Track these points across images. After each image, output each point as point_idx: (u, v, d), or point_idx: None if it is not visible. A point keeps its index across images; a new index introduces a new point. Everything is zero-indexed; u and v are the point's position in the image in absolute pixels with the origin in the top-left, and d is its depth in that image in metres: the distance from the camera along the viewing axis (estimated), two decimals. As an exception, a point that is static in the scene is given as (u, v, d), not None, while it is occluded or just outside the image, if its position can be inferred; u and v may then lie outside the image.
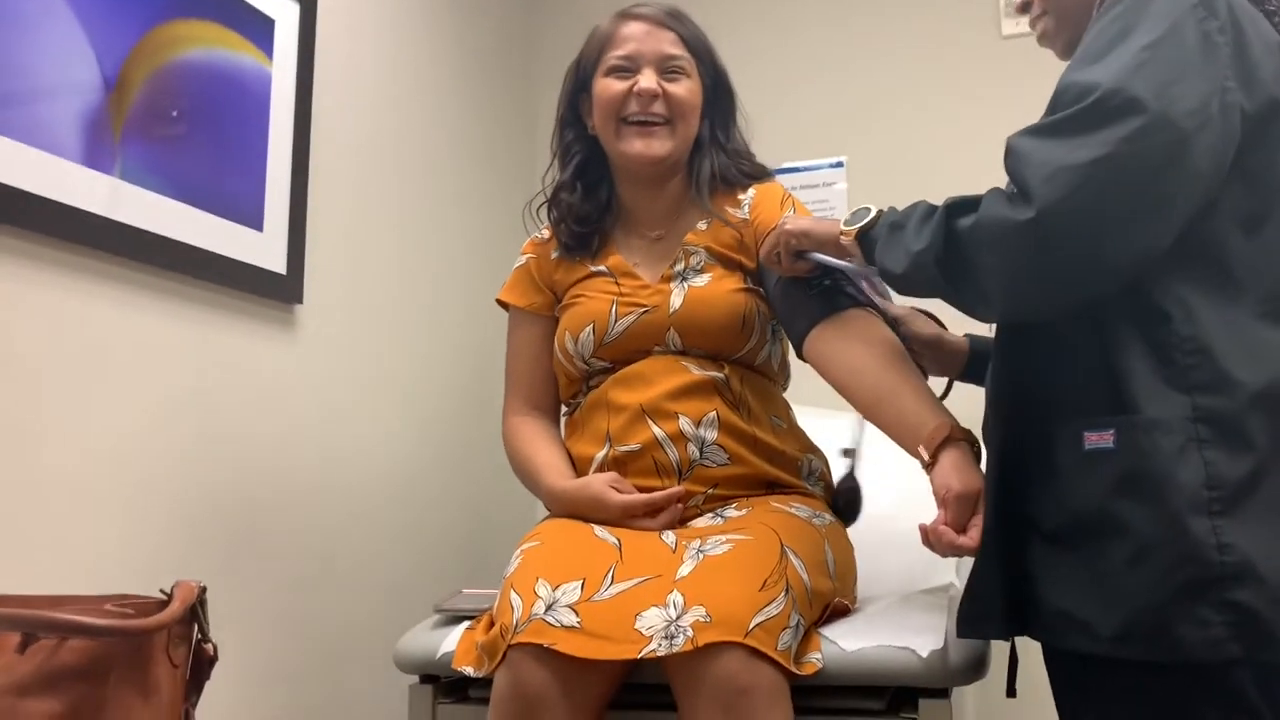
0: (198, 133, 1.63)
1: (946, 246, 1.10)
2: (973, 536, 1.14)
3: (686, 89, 1.57)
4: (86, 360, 1.44)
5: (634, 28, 1.58)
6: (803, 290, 1.45)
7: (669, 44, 1.57)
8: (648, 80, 1.54)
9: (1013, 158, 1.08)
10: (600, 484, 1.45)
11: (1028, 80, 2.41)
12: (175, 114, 1.59)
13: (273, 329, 1.79)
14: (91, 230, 1.43)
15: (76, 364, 1.42)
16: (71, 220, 1.40)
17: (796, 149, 2.48)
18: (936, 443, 1.20)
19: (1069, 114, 1.04)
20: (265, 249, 1.75)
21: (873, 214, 1.26)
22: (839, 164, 2.52)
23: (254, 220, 1.73)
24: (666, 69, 1.56)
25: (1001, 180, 1.14)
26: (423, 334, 2.21)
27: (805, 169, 2.51)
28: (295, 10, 1.85)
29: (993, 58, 2.45)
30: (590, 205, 1.63)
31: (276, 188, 1.79)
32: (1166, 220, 1.03)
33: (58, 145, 1.39)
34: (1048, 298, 1.08)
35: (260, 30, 1.77)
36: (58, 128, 1.40)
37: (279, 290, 1.79)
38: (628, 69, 1.56)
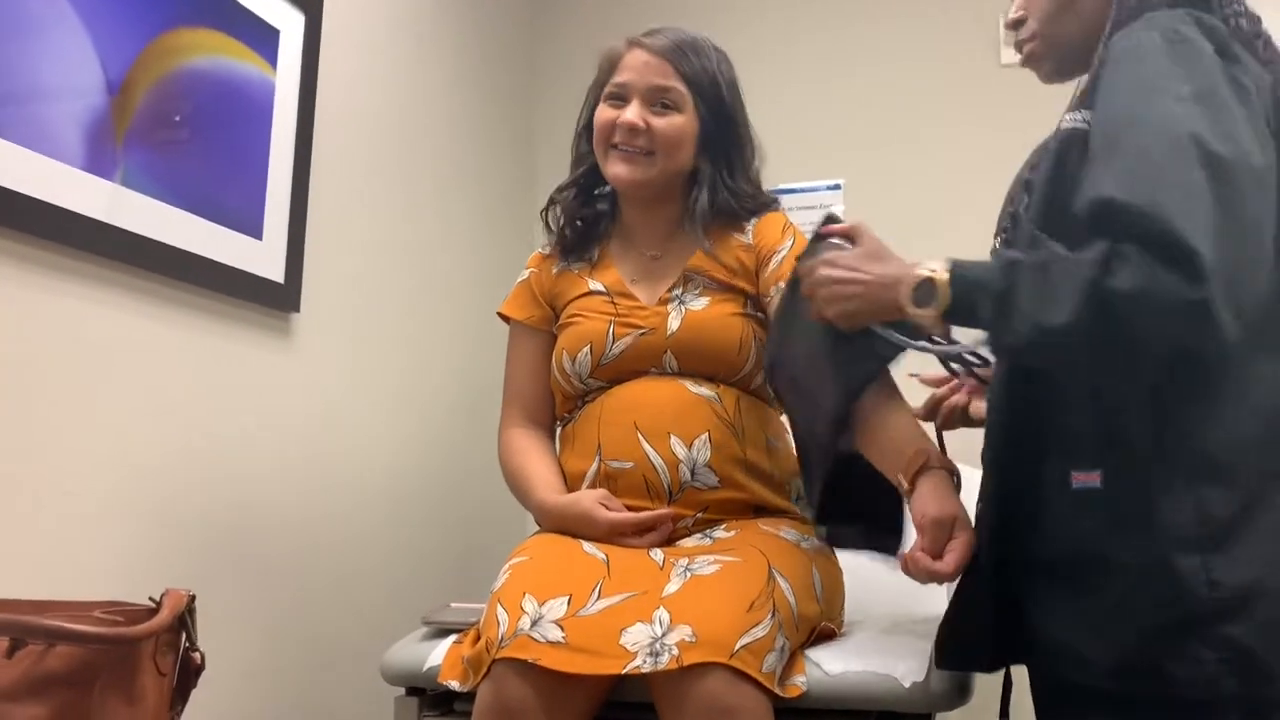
0: (200, 140, 1.64)
1: (1097, 319, 0.97)
2: (948, 562, 1.13)
3: (670, 123, 1.57)
4: (83, 365, 1.44)
5: (634, 56, 1.59)
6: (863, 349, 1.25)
7: (663, 76, 1.57)
8: (631, 113, 1.56)
9: (1152, 211, 0.95)
10: (590, 501, 1.47)
11: (1025, 109, 2.43)
12: (178, 121, 1.60)
13: (269, 337, 1.79)
14: (91, 235, 1.44)
15: (73, 368, 1.42)
16: (72, 225, 1.41)
17: (794, 171, 2.50)
18: (915, 469, 1.20)
19: (1202, 175, 0.96)
20: (264, 257, 1.76)
21: (941, 287, 1.10)
22: (836, 186, 2.54)
23: (253, 229, 1.74)
24: (656, 102, 1.57)
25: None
26: (418, 346, 2.22)
27: (802, 190, 2.53)
28: (300, 21, 1.86)
29: (991, 85, 2.46)
30: (586, 209, 1.67)
31: (277, 197, 1.79)
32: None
33: (60, 150, 1.40)
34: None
35: (265, 40, 1.78)
36: (60, 132, 1.40)
37: (276, 299, 1.79)
38: (620, 97, 1.59)
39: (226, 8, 1.70)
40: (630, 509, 1.46)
